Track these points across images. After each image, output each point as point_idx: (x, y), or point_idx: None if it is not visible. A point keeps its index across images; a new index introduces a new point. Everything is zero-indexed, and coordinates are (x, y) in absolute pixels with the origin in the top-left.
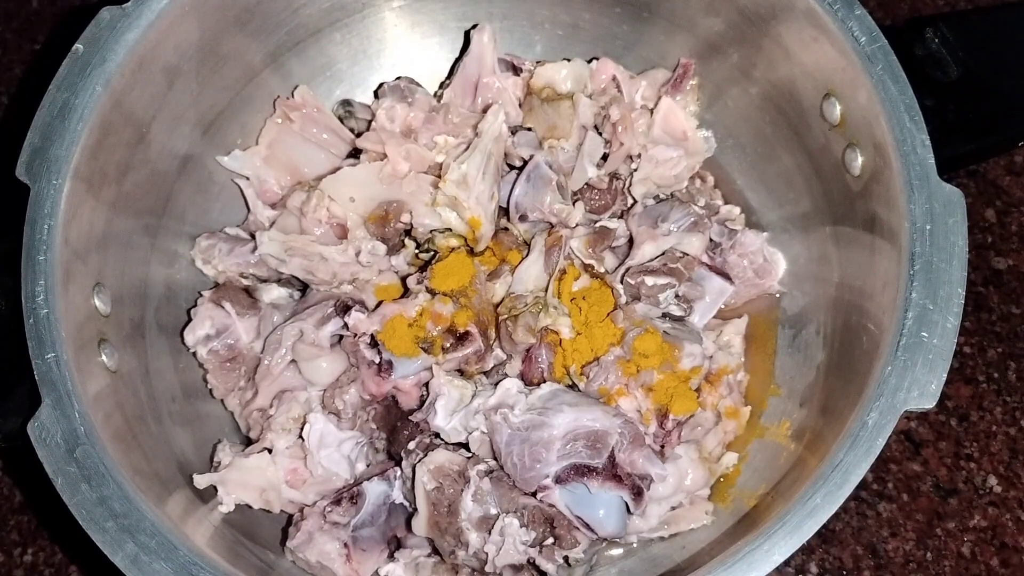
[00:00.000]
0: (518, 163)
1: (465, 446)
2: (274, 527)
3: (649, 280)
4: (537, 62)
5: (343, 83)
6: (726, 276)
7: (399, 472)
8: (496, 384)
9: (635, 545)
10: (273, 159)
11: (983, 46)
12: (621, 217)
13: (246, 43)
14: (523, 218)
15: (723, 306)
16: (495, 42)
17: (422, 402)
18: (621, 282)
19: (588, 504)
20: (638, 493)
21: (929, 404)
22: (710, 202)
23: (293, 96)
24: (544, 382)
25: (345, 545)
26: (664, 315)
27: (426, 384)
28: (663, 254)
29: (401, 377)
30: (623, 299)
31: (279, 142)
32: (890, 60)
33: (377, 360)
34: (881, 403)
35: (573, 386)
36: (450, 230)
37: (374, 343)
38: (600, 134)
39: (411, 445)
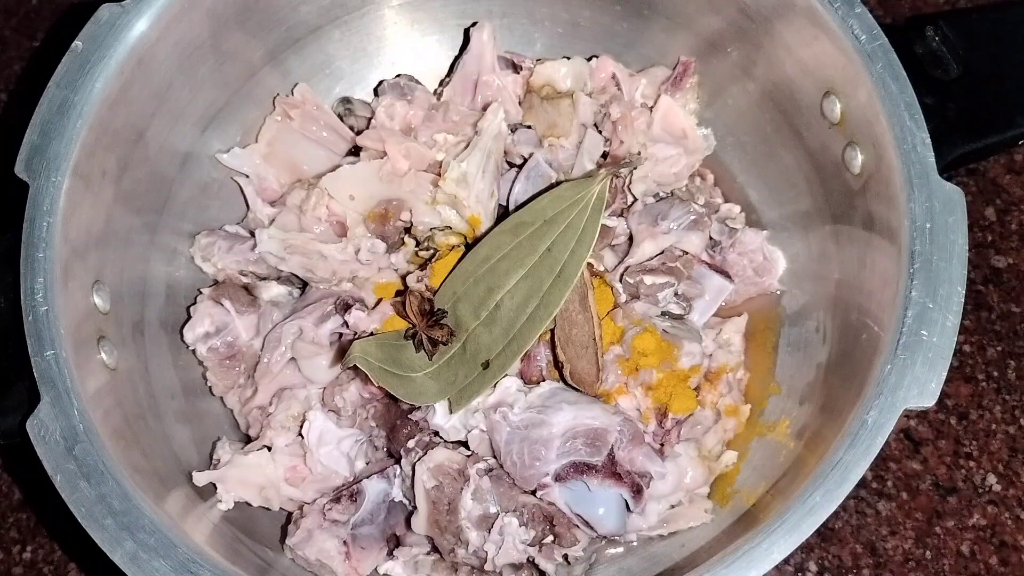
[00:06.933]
0: (518, 161)
1: (465, 444)
2: (273, 525)
3: (648, 279)
4: (537, 60)
5: (343, 81)
6: (726, 274)
7: (399, 470)
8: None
9: (634, 543)
10: (273, 157)
11: (984, 44)
12: (621, 215)
13: (245, 40)
14: None
15: (723, 304)
16: (495, 40)
17: None
18: (620, 281)
19: (588, 502)
20: (638, 491)
21: (929, 402)
22: (710, 200)
23: (293, 94)
24: (543, 380)
25: (344, 543)
26: (663, 313)
27: None
28: (662, 252)
29: None
30: (622, 298)
31: (279, 140)
32: (890, 58)
33: None
34: (881, 401)
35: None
36: (450, 228)
37: None
38: (600, 132)
39: (411, 443)
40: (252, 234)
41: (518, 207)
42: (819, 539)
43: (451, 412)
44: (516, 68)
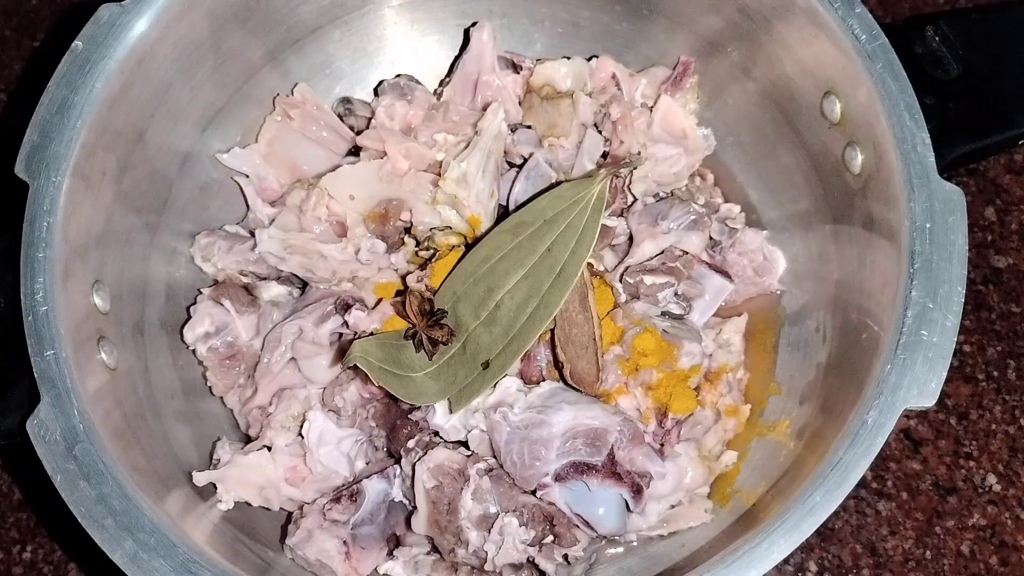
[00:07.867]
0: (518, 161)
1: (465, 444)
2: (273, 525)
3: (648, 279)
4: (537, 60)
5: (343, 80)
6: (726, 274)
7: (399, 470)
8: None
9: (634, 543)
10: (273, 157)
11: (984, 44)
12: (621, 215)
13: (245, 40)
14: None
15: (723, 304)
16: (495, 40)
17: None
18: (620, 281)
19: (588, 502)
20: (638, 491)
21: (929, 402)
22: (710, 200)
23: (293, 94)
24: (543, 380)
25: (344, 543)
26: (663, 313)
27: None
28: (662, 252)
29: None
30: (622, 298)
31: (279, 140)
32: (890, 58)
33: None
34: (881, 401)
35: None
36: (450, 228)
37: None
38: (600, 132)
39: (411, 443)
40: (252, 234)
41: (518, 207)
42: (819, 539)
43: (451, 412)
44: (516, 68)
